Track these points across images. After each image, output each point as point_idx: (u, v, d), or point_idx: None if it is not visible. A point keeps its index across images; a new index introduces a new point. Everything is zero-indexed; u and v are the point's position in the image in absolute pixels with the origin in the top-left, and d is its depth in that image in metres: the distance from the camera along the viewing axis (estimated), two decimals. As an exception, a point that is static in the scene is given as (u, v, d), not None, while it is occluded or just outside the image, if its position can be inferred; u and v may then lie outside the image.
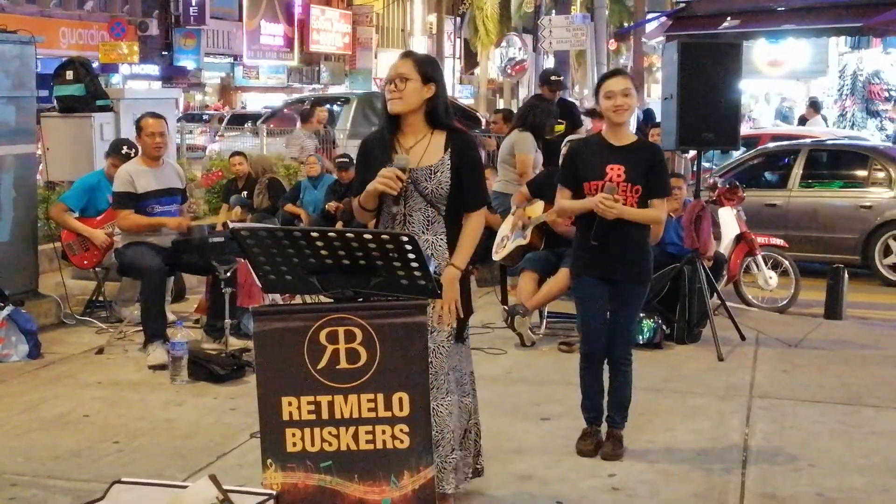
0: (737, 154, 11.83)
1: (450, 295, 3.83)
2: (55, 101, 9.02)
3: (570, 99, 21.53)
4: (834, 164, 11.43)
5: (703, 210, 7.55)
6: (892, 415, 5.78)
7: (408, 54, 4.00)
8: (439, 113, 3.94)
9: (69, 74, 8.85)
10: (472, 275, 4.01)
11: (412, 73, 3.86)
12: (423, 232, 3.89)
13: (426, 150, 3.91)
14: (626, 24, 38.59)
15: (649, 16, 27.87)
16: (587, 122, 11.05)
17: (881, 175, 10.77)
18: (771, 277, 8.89)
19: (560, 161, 5.43)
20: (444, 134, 3.94)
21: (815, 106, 18.60)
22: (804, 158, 11.13)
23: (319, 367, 3.39)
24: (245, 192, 11.26)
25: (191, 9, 34.11)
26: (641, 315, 7.22)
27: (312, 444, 3.40)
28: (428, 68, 3.92)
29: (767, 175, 11.68)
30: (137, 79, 31.58)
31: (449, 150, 3.92)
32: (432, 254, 3.85)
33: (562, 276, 7.29)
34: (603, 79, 4.87)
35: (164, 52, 34.36)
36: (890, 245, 10.49)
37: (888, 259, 10.50)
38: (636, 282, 4.83)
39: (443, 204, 3.91)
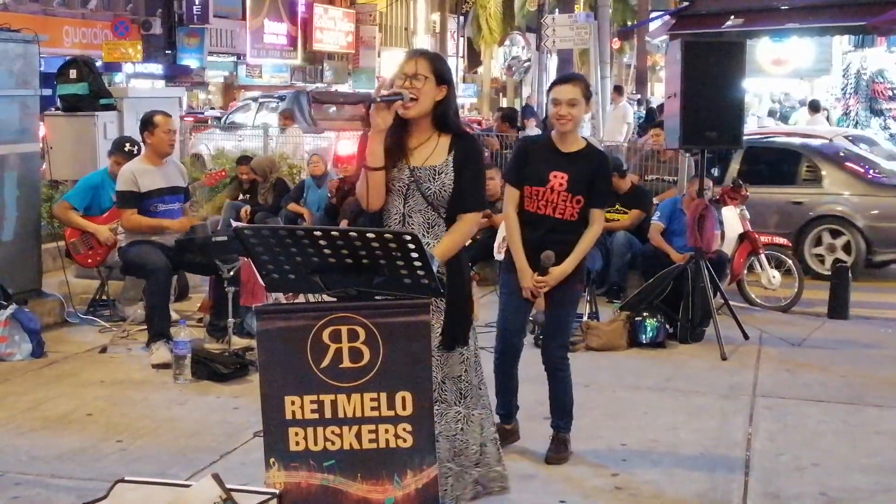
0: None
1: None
2: (58, 100, 9.03)
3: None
4: (768, 161, 11.51)
5: (706, 209, 7.55)
6: (895, 414, 5.77)
7: (423, 52, 3.87)
8: (449, 116, 3.84)
9: (73, 73, 8.86)
10: (472, 280, 3.95)
11: (428, 72, 3.75)
12: (423, 235, 3.77)
13: (432, 152, 3.81)
14: (629, 23, 38.57)
15: (653, 14, 27.88)
16: None
17: (812, 172, 10.98)
18: (774, 276, 8.88)
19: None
20: (450, 137, 3.84)
21: (813, 107, 18.60)
22: (740, 155, 11.16)
23: (322, 366, 3.39)
24: (248, 195, 11.32)
25: (194, 7, 34.06)
26: (644, 314, 7.24)
27: (315, 444, 3.40)
28: (443, 68, 3.81)
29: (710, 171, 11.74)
30: (141, 77, 31.53)
31: (453, 152, 3.82)
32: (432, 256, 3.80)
33: None
34: (553, 83, 4.79)
35: (167, 51, 34.32)
36: (821, 239, 10.67)
37: (818, 249, 10.71)
38: (569, 282, 4.74)
39: (444, 207, 3.82)
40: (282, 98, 19.28)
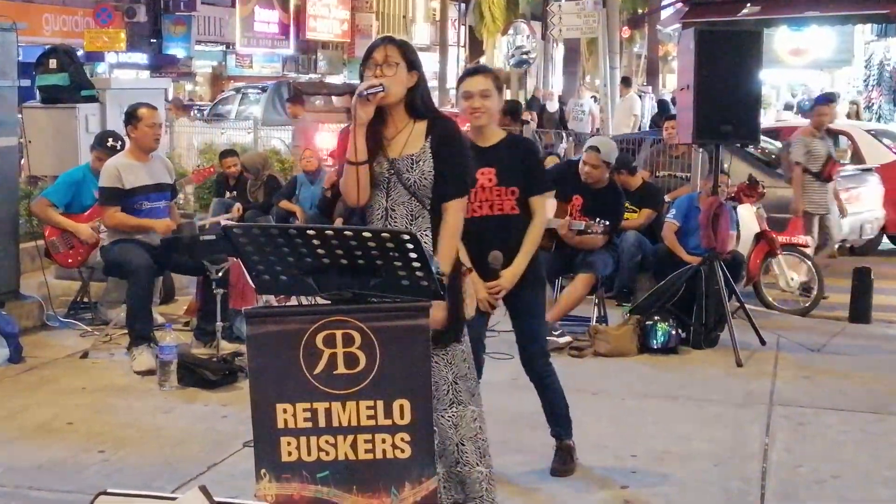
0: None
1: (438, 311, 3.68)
2: (37, 92, 9.03)
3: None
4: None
5: (720, 207, 7.54)
6: (920, 424, 5.78)
7: (391, 39, 3.96)
8: (422, 102, 3.94)
9: (52, 63, 8.86)
10: (465, 276, 3.97)
11: (399, 58, 3.84)
12: (406, 227, 3.86)
13: (408, 140, 3.90)
14: (640, 11, 38.55)
15: (665, 2, 27.85)
16: None
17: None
18: (793, 278, 8.88)
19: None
20: (426, 122, 3.93)
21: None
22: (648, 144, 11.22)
23: (316, 372, 3.39)
24: (236, 192, 11.30)
25: (181, -7, 34.09)
26: (655, 318, 7.24)
27: (309, 454, 3.40)
28: (413, 55, 3.92)
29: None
30: (124, 68, 31.50)
31: (430, 136, 3.90)
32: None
33: (580, 284, 7.30)
34: (462, 76, 4.77)
35: (152, 40, 34.28)
36: None
37: None
38: (529, 287, 4.70)
39: (427, 196, 3.89)
40: (264, 88, 19.34)
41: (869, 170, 11.89)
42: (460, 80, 4.75)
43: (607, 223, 7.08)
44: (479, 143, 4.68)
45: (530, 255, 4.65)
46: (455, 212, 3.92)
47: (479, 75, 4.69)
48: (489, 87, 4.61)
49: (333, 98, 19.70)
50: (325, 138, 14.97)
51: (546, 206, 4.80)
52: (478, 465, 3.94)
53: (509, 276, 4.59)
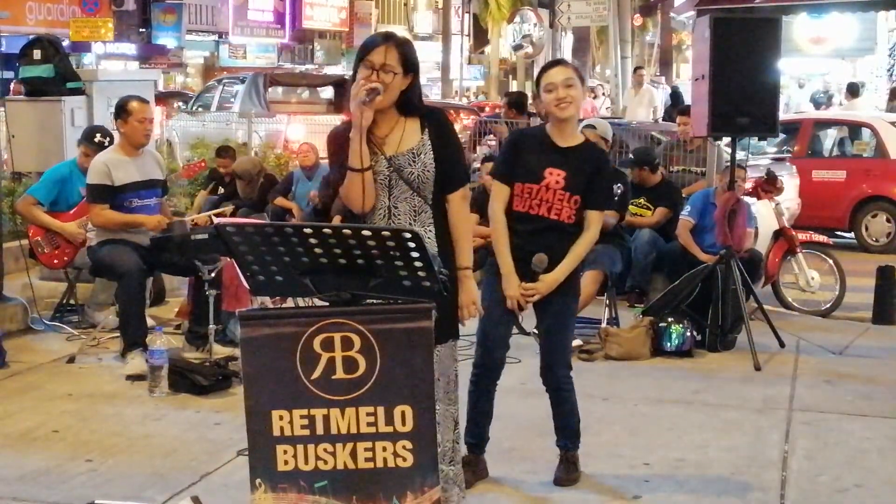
0: None
1: (465, 298, 4.04)
2: (21, 84, 9.03)
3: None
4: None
5: (737, 203, 7.54)
6: (947, 430, 5.77)
7: (392, 40, 3.97)
8: (414, 101, 4.02)
9: (37, 54, 8.87)
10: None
11: (398, 64, 3.90)
12: (409, 223, 3.97)
13: (403, 135, 3.99)
14: (652, -2, 38.54)
15: (678, -12, 27.83)
16: None
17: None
18: (813, 278, 8.87)
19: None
20: (418, 117, 4.03)
21: (851, 90, 18.58)
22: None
23: (313, 377, 3.39)
24: (228, 188, 11.31)
25: (171, -19, 34.11)
26: (669, 320, 7.24)
27: (306, 463, 3.40)
28: (412, 56, 3.98)
29: None
30: (112, 58, 31.52)
31: (426, 130, 4.01)
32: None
33: (588, 281, 7.27)
34: (543, 69, 4.80)
35: (141, 30, 34.31)
36: None
37: None
38: (564, 293, 4.72)
39: (430, 191, 4.00)
40: (243, 79, 19.38)
41: (782, 160, 12.30)
42: (540, 75, 4.77)
43: (620, 185, 7.23)
44: (557, 141, 4.70)
45: (573, 267, 4.69)
46: (461, 202, 4.08)
47: (559, 66, 4.75)
48: (571, 75, 4.65)
49: (319, 90, 19.76)
50: (299, 130, 15.00)
51: (600, 224, 4.80)
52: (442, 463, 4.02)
53: (549, 281, 4.62)
